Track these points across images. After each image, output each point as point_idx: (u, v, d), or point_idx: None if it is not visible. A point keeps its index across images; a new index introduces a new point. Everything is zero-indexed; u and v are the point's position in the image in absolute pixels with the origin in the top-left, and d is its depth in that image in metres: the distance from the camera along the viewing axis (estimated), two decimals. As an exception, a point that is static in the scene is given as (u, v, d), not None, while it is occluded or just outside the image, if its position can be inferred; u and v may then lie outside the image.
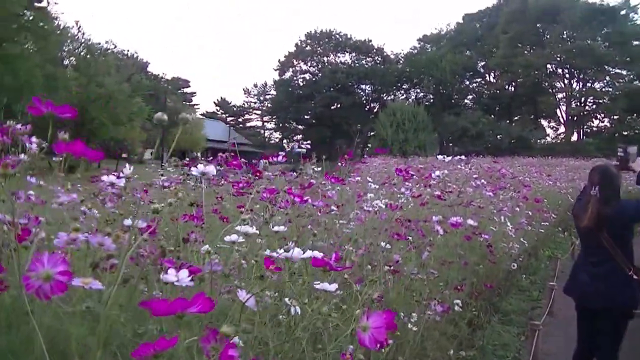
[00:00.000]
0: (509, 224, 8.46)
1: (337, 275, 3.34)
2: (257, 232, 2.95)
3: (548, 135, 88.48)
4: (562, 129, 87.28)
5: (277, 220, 3.82)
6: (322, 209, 5.73)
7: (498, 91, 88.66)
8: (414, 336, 4.37)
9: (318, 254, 2.75)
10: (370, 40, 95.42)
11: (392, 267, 4.36)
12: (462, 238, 5.97)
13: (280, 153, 6.60)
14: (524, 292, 10.84)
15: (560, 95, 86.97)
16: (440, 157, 6.32)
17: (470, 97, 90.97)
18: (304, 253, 2.69)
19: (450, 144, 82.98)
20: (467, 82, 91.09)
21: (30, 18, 41.00)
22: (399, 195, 7.41)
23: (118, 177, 3.08)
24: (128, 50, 77.15)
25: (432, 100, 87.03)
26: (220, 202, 5.67)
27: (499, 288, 9.59)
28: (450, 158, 6.33)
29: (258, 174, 6.08)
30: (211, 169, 2.90)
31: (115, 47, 62.31)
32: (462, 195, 7.69)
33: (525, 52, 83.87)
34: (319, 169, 10.04)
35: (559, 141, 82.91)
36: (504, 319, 8.84)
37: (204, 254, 2.73)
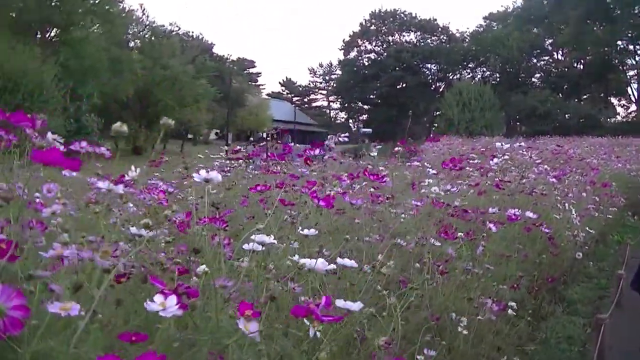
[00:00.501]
0: (574, 211, 8.02)
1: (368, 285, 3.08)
2: (274, 241, 2.67)
3: (618, 114, 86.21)
4: (633, 107, 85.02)
5: (309, 220, 3.57)
6: (373, 199, 5.46)
7: (566, 69, 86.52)
8: (464, 340, 4.06)
9: (349, 262, 2.48)
10: (435, 19, 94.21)
11: (440, 267, 4.03)
12: (521, 230, 5.63)
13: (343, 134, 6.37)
14: (591, 279, 10.36)
15: (631, 73, 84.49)
16: (498, 144, 5.91)
17: (537, 75, 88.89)
18: (331, 260, 2.44)
19: (518, 123, 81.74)
20: (535, 60, 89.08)
21: (96, 2, 41.38)
22: (458, 182, 7.12)
23: (118, 182, 2.79)
24: (192, 32, 77.77)
25: (498, 79, 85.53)
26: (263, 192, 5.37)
27: (564, 275, 9.17)
28: (508, 145, 5.90)
29: (308, 162, 5.80)
30: (215, 176, 2.61)
31: (180, 29, 63.00)
32: (524, 182, 7.32)
33: (595, 28, 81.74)
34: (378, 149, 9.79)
35: (629, 120, 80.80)
36: (569, 308, 8.43)
37: (202, 274, 2.41)
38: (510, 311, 4.31)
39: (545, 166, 9.15)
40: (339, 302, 2.29)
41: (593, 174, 13.05)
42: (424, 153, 29.87)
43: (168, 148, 57.67)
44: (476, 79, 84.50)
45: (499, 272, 5.00)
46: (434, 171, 8.03)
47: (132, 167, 3.03)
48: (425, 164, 9.57)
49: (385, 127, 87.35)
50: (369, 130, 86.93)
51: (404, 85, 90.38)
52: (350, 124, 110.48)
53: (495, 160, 5.90)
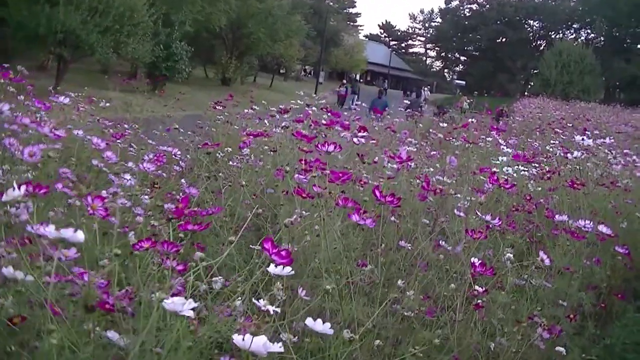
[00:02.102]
0: None
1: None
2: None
3: None
4: None
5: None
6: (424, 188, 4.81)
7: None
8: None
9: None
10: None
11: (475, 302, 3.35)
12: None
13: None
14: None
15: None
16: (578, 137, 5.12)
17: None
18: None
19: (617, 90, 79.24)
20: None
21: None
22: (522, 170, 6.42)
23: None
24: (291, -34, 76.80)
25: (602, 43, 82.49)
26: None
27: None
28: (591, 141, 5.10)
29: (364, 130, 5.15)
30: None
31: (278, -38, 61.98)
32: (605, 175, 6.52)
33: None
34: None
35: None
36: None
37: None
38: (558, 348, 3.61)
39: (634, 157, 8.30)
40: None
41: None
42: (514, 114, 28.94)
43: (258, 81, 57.67)
44: (579, 40, 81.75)
45: (557, 290, 4.31)
46: (509, 149, 7.35)
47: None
48: (501, 141, 8.79)
49: (480, 81, 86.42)
50: (463, 82, 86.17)
51: (503, 40, 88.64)
52: (446, 74, 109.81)
53: (576, 153, 5.12)
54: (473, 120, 9.97)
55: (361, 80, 78.55)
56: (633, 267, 6.11)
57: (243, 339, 1.72)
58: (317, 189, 3.16)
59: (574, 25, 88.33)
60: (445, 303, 3.37)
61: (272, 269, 2.12)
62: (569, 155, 5.39)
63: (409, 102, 23.58)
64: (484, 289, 3.36)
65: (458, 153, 7.98)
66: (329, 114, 6.43)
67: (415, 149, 7.60)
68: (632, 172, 7.66)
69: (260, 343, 1.73)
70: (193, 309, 1.82)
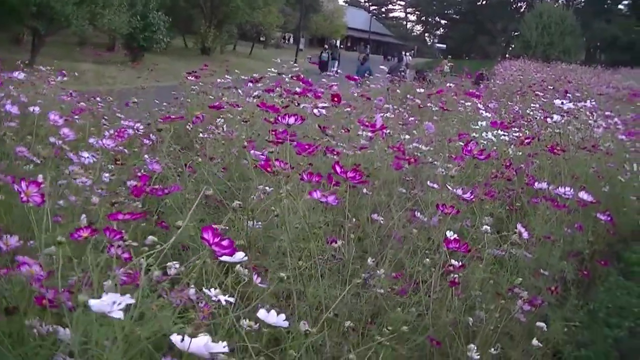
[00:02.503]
0: None
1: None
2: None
3: None
4: None
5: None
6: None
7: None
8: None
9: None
10: None
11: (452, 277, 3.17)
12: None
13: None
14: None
15: None
16: (558, 101, 4.90)
17: (625, 2, 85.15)
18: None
19: (598, 51, 79.23)
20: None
21: None
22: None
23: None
24: None
25: (582, 4, 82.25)
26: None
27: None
28: (572, 104, 4.88)
29: (337, 99, 4.95)
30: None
31: None
32: (586, 139, 6.35)
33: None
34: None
35: None
36: (626, 270, 7.42)
37: None
38: (535, 342, 3.42)
39: (616, 119, 8.12)
40: None
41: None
42: (495, 77, 28.81)
43: (238, 50, 57.32)
44: (559, 1, 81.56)
45: (539, 260, 4.16)
46: (488, 114, 7.19)
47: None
48: (480, 105, 8.60)
49: (460, 44, 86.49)
50: (444, 46, 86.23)
51: (483, 2, 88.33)
52: (426, 38, 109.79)
53: (556, 117, 4.92)
54: (451, 85, 9.81)
55: (342, 46, 78.25)
56: (616, 232, 5.98)
57: (182, 340, 1.56)
58: (279, 164, 3.00)
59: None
60: (420, 279, 3.20)
61: (224, 257, 1.96)
62: (548, 119, 5.21)
63: (389, 67, 23.42)
64: (460, 263, 3.21)
65: (436, 119, 7.84)
66: (301, 82, 6.24)
67: (392, 116, 7.43)
68: (613, 134, 7.51)
69: (200, 344, 1.57)
70: (128, 307, 1.64)
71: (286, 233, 2.81)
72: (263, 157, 3.66)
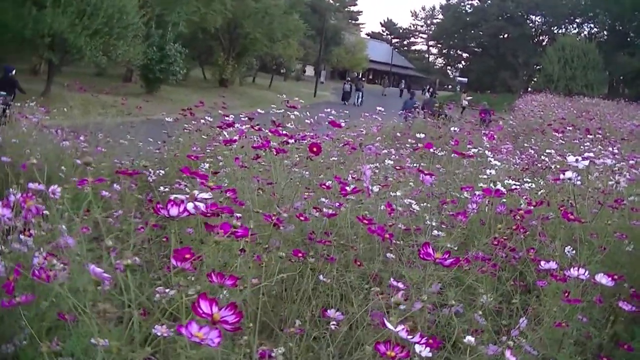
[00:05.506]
0: None
1: None
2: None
3: None
4: None
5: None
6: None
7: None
8: None
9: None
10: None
11: None
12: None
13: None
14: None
15: None
16: (571, 158, 4.19)
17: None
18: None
19: (621, 84, 78.44)
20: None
21: None
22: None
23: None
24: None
25: (605, 37, 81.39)
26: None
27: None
28: (587, 162, 4.18)
29: (316, 150, 4.28)
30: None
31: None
32: (611, 192, 5.60)
33: None
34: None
35: None
36: None
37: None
38: None
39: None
40: None
41: None
42: (515, 112, 28.21)
43: (257, 82, 57.31)
44: (582, 35, 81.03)
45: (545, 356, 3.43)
46: (497, 162, 6.48)
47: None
48: (488, 153, 7.85)
49: (482, 78, 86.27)
50: (465, 79, 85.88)
51: (505, 35, 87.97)
52: (448, 71, 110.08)
53: (568, 174, 4.18)
54: (456, 129, 9.16)
55: (363, 79, 77.98)
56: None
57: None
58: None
59: (577, 20, 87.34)
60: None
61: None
62: (562, 175, 4.49)
63: (403, 104, 23.07)
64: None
65: (439, 167, 7.18)
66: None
67: (392, 162, 6.76)
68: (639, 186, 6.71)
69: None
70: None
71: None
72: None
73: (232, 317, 1.95)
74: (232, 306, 1.98)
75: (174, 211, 2.44)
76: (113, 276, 2.35)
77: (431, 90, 46.08)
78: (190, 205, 2.39)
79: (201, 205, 2.48)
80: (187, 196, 2.50)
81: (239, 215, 3.30)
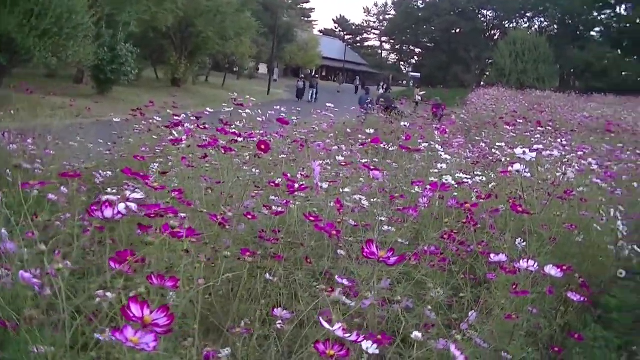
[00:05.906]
0: (620, 223, 6.23)
1: None
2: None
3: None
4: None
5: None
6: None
7: (629, 25, 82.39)
8: None
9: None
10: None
11: None
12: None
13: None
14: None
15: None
16: (518, 150, 4.18)
17: (597, 29, 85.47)
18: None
19: (572, 77, 79.32)
20: (596, 14, 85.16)
21: None
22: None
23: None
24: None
25: (556, 31, 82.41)
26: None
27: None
28: (534, 155, 4.16)
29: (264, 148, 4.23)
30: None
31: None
32: (560, 184, 5.64)
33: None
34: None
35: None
36: (605, 317, 6.56)
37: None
38: None
39: (590, 159, 7.37)
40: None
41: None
42: (466, 106, 28.40)
43: (210, 81, 56.90)
44: (533, 29, 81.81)
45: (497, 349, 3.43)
46: (447, 156, 6.50)
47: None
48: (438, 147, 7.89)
49: (435, 73, 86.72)
50: (418, 74, 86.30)
51: (457, 30, 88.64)
52: (401, 67, 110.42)
53: (517, 165, 4.19)
54: (406, 124, 9.18)
55: (317, 76, 77.87)
56: (590, 297, 5.19)
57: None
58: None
59: (527, 14, 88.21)
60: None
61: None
62: (510, 167, 4.51)
63: (358, 99, 23.14)
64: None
65: (389, 162, 7.17)
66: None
67: (343, 158, 6.73)
68: (587, 177, 6.75)
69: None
70: None
71: None
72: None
73: (163, 319, 1.92)
74: (164, 308, 1.94)
75: (108, 213, 2.38)
76: (47, 281, 2.30)
77: (385, 86, 46.52)
78: (121, 206, 2.33)
79: (133, 206, 2.43)
80: (119, 197, 2.45)
81: (183, 215, 3.28)
